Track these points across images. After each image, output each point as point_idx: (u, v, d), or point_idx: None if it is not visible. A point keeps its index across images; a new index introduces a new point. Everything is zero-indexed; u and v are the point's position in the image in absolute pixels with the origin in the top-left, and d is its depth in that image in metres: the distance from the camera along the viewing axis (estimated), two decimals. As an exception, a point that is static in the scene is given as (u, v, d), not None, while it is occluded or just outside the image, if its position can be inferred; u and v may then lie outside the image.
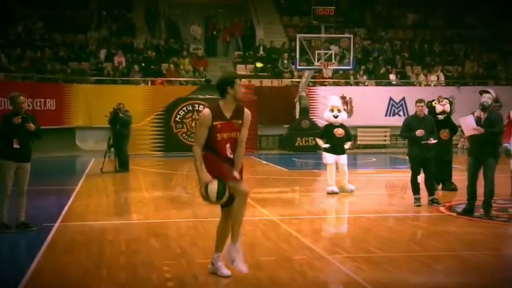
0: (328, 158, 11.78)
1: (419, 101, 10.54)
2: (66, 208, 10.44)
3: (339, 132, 11.74)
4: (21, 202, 8.70)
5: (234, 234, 5.97)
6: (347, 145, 11.91)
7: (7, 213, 8.59)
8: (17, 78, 21.41)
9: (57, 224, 8.97)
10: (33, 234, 8.41)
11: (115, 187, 13.88)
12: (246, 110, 6.08)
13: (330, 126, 11.88)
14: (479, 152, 9.23)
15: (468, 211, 9.41)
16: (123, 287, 5.96)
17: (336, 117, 11.80)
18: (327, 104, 12.44)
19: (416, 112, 10.50)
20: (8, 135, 8.58)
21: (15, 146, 8.55)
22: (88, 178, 14.78)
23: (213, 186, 5.82)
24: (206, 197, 5.88)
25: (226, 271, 6.08)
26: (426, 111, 10.78)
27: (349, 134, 12.12)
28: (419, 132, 10.10)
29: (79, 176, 15.27)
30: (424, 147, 10.20)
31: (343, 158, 11.82)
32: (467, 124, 9.20)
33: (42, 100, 20.98)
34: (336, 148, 11.71)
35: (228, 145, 5.93)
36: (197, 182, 5.94)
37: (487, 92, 9.32)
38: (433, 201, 10.30)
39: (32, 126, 8.59)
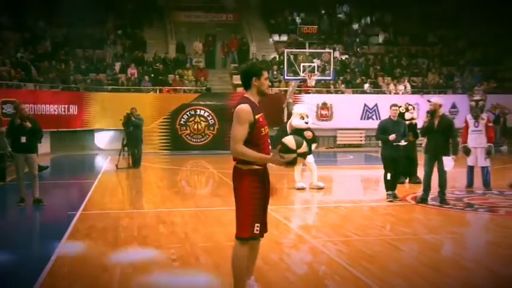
0: None
1: (394, 105, 10.10)
2: (86, 199, 10.42)
3: (308, 134, 11.07)
4: (35, 183, 9.55)
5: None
6: (313, 146, 11.32)
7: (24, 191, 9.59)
8: (45, 87, 21.32)
9: (79, 213, 8.95)
10: (61, 221, 8.40)
11: (128, 181, 13.85)
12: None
13: (299, 130, 11.07)
14: (435, 150, 9.38)
15: (424, 199, 9.59)
16: (136, 266, 5.96)
17: (306, 123, 11.21)
18: (295, 112, 11.47)
19: (390, 116, 10.03)
20: (14, 133, 9.46)
21: (22, 141, 9.41)
22: (105, 173, 14.73)
23: (287, 139, 4.27)
24: (287, 154, 4.23)
25: None
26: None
27: (315, 136, 11.54)
28: (392, 137, 9.74)
29: (97, 171, 15.22)
30: (395, 148, 9.85)
31: (310, 157, 11.30)
32: (449, 163, 9.45)
33: (66, 106, 20.82)
34: None
35: (268, 140, 4.47)
36: (275, 162, 4.30)
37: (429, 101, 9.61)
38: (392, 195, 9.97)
39: (28, 124, 9.36)
